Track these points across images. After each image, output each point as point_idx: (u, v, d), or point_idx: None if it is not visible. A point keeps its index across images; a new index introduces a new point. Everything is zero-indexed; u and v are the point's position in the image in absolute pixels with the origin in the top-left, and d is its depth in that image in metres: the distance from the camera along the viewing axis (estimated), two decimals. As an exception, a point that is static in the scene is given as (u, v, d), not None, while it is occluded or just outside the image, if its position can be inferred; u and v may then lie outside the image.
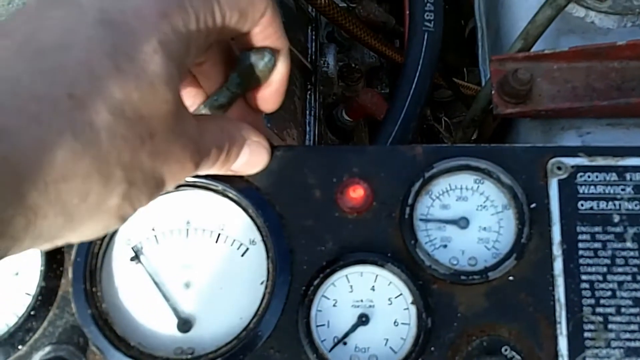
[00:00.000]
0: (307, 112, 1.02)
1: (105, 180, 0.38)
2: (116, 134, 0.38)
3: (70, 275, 0.58)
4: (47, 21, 0.38)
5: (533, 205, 0.59)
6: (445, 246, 0.60)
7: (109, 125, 0.37)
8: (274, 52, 0.52)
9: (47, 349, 0.56)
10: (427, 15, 0.80)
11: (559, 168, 0.60)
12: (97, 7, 0.39)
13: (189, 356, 0.57)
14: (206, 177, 0.59)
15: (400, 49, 1.13)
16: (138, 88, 0.39)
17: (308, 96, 1.03)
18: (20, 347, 0.56)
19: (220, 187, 0.59)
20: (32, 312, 0.57)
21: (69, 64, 0.37)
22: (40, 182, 0.34)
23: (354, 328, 0.58)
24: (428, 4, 0.80)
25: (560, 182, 0.60)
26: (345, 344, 0.58)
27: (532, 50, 0.76)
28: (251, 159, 0.54)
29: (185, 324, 0.58)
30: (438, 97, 1.43)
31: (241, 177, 0.59)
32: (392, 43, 1.16)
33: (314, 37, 1.08)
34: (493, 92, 0.71)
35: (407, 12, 0.84)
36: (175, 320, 0.58)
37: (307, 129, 1.01)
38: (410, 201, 0.59)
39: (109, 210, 0.40)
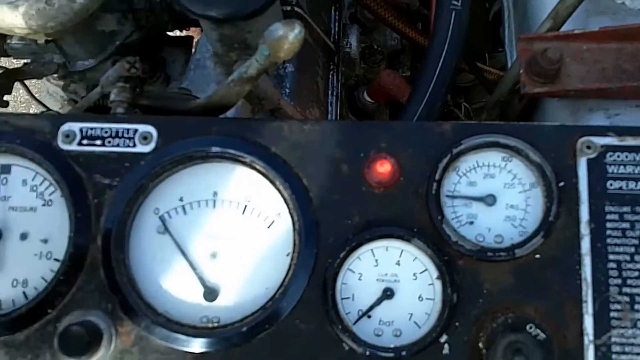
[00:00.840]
0: (330, 92, 1.02)
1: None
2: None
3: (99, 242, 0.58)
4: None
5: (561, 184, 0.59)
6: (471, 223, 0.59)
7: None
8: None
9: (76, 313, 0.57)
10: (455, -6, 0.79)
11: (589, 147, 0.60)
12: None
13: (215, 325, 0.58)
14: (235, 148, 0.59)
15: (423, 31, 1.13)
16: None
17: (330, 76, 1.03)
18: (49, 311, 0.57)
19: (248, 159, 0.59)
20: (62, 278, 0.57)
21: None
22: None
23: (378, 301, 0.58)
24: (456, -17, 0.80)
25: (589, 161, 0.60)
26: (369, 317, 0.58)
27: (561, 30, 0.76)
28: None
29: (211, 294, 0.58)
30: (458, 81, 1.42)
31: (268, 148, 0.60)
32: (416, 25, 1.15)
33: (337, 18, 1.08)
34: (521, 71, 0.71)
35: (434, -9, 0.83)
36: (201, 290, 0.59)
37: (329, 109, 1.01)
38: (437, 177, 0.59)
39: None
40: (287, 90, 0.88)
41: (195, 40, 1.00)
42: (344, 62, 1.08)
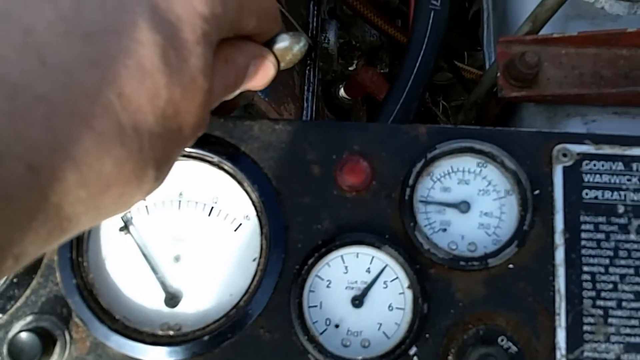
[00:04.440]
0: (306, 87, 0.99)
1: (139, 181, 0.35)
2: (155, 135, 0.35)
3: (55, 243, 0.55)
4: None
5: (537, 192, 0.57)
6: (444, 230, 0.58)
7: (151, 126, 0.35)
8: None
9: (29, 318, 0.54)
10: (435, -7, 0.78)
11: (565, 155, 0.59)
12: None
13: (176, 332, 0.55)
14: (202, 148, 0.57)
15: (403, 28, 1.11)
16: (181, 84, 0.36)
17: (307, 72, 1.01)
18: (0, 315, 0.54)
19: (215, 159, 0.57)
20: (14, 280, 0.55)
21: (118, 54, 0.33)
22: (83, 194, 0.32)
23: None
24: (436, -19, 0.78)
25: (565, 169, 0.58)
26: (337, 326, 0.56)
27: (540, 33, 0.74)
28: (257, 76, 0.49)
29: (173, 299, 0.56)
30: (437, 80, 1.41)
31: (237, 148, 0.57)
32: (395, 22, 1.13)
33: (315, 12, 1.05)
34: (499, 74, 0.69)
35: (414, -11, 0.81)
36: (162, 295, 0.56)
37: (305, 105, 0.98)
38: (410, 182, 0.57)
39: (130, 205, 0.38)
40: (262, 86, 0.86)
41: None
42: (321, 57, 1.06)
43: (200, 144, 0.57)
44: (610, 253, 0.56)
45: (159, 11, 0.35)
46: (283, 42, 0.51)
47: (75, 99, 0.31)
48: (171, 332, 0.55)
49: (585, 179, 0.58)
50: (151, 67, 0.34)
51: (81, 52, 0.32)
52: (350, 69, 1.16)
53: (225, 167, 0.58)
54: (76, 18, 0.32)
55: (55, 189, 0.30)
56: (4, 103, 0.29)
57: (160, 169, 0.37)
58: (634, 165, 0.58)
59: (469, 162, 0.59)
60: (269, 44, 0.51)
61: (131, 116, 0.33)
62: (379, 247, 0.56)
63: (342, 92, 1.11)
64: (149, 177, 0.36)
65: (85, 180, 0.32)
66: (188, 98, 0.37)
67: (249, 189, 0.57)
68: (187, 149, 0.56)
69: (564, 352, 0.54)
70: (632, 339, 0.54)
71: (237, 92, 0.49)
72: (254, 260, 0.57)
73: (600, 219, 0.57)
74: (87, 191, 0.32)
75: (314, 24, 1.05)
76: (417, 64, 0.75)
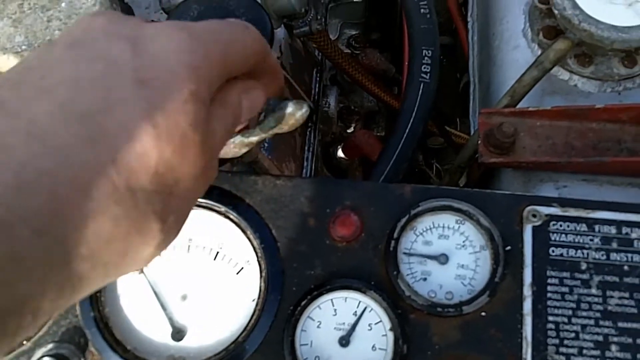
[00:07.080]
0: (306, 148, 1.08)
1: (142, 236, 0.39)
2: (150, 191, 0.39)
3: (76, 279, 0.62)
4: (86, 79, 0.38)
5: (508, 248, 0.64)
6: (425, 279, 0.64)
7: (144, 185, 0.38)
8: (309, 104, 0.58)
9: (50, 346, 0.61)
10: (424, 68, 0.87)
11: (534, 215, 0.66)
12: (131, 66, 0.40)
13: (180, 364, 0.62)
14: (211, 198, 0.64)
15: (398, 95, 1.20)
16: (171, 142, 0.39)
17: (308, 133, 1.09)
18: (25, 342, 0.61)
19: (222, 208, 0.64)
20: (37, 311, 0.61)
21: (112, 128, 0.37)
22: (85, 251, 0.36)
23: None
24: (426, 58, 0.87)
25: (534, 228, 0.65)
26: (325, 363, 0.62)
27: (518, 106, 0.82)
28: (253, 106, 0.51)
29: (178, 333, 0.62)
30: (431, 143, 1.49)
31: (242, 200, 0.65)
32: (391, 90, 1.22)
33: (318, 79, 1.15)
34: (479, 142, 0.77)
35: (406, 63, 0.90)
36: (170, 329, 0.62)
37: (305, 164, 1.06)
38: (395, 235, 0.64)
39: (143, 259, 0.41)
40: (266, 144, 0.94)
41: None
42: (322, 120, 1.15)
43: (209, 195, 0.65)
44: (573, 305, 0.63)
45: (144, 83, 0.39)
46: (287, 109, 0.57)
47: (74, 171, 0.36)
48: (176, 363, 0.61)
49: (552, 238, 0.65)
50: (140, 133, 0.38)
51: (78, 131, 0.37)
52: (348, 131, 1.24)
53: (231, 217, 0.65)
54: (71, 104, 0.37)
55: (58, 248, 0.35)
56: (12, 179, 0.34)
57: (166, 221, 0.40)
58: (596, 227, 0.65)
59: (448, 219, 0.66)
60: (274, 109, 0.58)
61: (124, 178, 0.37)
62: (364, 293, 0.63)
63: (339, 152, 1.19)
64: (153, 231, 0.39)
65: (84, 238, 0.36)
66: (180, 153, 0.40)
67: (251, 237, 0.64)
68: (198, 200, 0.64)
69: (529, 394, 0.60)
70: (590, 383, 0.60)
71: (241, 126, 0.54)
72: (253, 300, 0.63)
73: (565, 274, 0.64)
74: (88, 248, 0.36)
75: (316, 90, 1.14)
76: (407, 130, 0.83)
